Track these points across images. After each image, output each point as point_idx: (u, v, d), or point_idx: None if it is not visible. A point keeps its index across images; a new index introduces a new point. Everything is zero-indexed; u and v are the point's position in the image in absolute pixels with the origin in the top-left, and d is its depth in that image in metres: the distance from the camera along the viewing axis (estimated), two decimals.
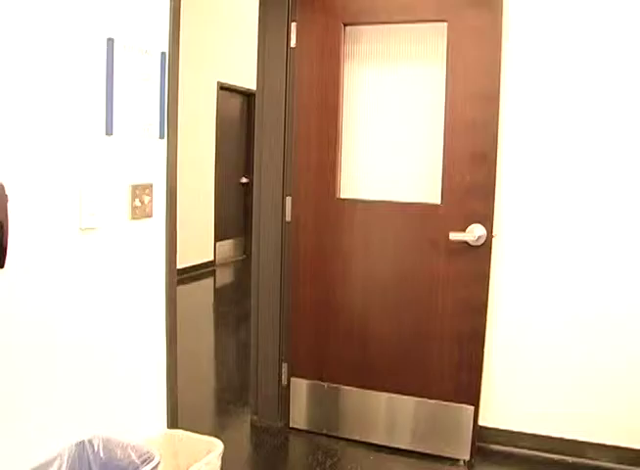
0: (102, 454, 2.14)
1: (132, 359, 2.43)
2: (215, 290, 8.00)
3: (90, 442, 2.14)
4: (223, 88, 8.20)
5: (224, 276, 8.52)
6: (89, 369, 2.22)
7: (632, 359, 3.16)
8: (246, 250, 9.05)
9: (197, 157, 7.30)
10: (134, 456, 2.09)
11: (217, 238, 8.49)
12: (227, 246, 8.85)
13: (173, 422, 2.65)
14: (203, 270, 8.00)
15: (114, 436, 2.16)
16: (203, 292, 7.43)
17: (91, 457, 2.14)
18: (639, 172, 3.05)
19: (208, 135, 7.92)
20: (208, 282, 8.00)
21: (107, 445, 2.15)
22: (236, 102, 8.78)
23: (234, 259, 8.98)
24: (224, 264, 8.68)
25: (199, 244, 7.91)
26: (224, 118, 8.32)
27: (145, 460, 2.06)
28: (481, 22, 3.09)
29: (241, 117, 8.94)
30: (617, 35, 2.98)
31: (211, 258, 8.39)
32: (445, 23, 3.16)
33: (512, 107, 3.20)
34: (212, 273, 8.28)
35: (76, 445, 2.12)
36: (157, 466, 2.03)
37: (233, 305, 6.99)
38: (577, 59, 3.08)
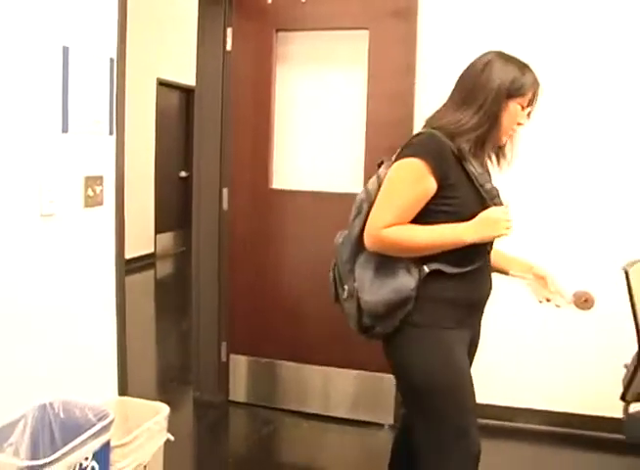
0: (62, 415, 2.39)
1: (86, 333, 2.68)
2: (157, 281, 8.17)
3: (51, 404, 2.39)
4: (162, 84, 8.30)
5: (165, 268, 8.68)
6: (48, 341, 2.47)
7: (550, 328, 3.44)
8: (186, 242, 8.92)
9: (137, 151, 7.34)
10: (91, 415, 2.36)
11: (158, 230, 8.60)
12: (167, 238, 8.96)
13: (124, 390, 2.92)
14: (143, 262, 8.02)
15: (73, 399, 2.43)
16: (144, 283, 7.56)
17: (52, 418, 2.39)
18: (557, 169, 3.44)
19: (148, 130, 8.01)
20: (149, 274, 8.12)
21: (66, 406, 2.40)
22: (175, 98, 8.87)
23: (174, 252, 9.08)
24: (165, 256, 8.79)
25: (139, 236, 7.90)
26: (164, 114, 8.40)
27: (100, 418, 2.32)
28: (399, 30, 3.42)
29: (180, 112, 9.03)
30: (514, 38, 3.32)
31: (152, 250, 8.48)
32: (367, 31, 3.48)
33: (425, 106, 3.52)
34: (153, 265, 8.37)
35: (39, 407, 2.37)
36: (111, 422, 2.30)
37: (174, 294, 7.24)
38: None
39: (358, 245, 2.06)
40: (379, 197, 2.00)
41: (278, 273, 3.77)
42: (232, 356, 3.88)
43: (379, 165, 2.17)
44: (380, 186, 2.03)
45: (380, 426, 3.66)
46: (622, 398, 2.53)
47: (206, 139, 3.80)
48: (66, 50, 2.39)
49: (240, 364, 3.87)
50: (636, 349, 2.54)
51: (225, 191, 3.78)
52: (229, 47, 3.69)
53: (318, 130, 3.72)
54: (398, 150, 2.06)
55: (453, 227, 1.95)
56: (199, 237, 3.88)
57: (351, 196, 3.54)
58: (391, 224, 1.93)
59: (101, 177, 2.64)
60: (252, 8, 3.64)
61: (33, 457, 2.22)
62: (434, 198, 1.95)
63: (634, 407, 2.63)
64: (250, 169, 3.73)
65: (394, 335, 2.03)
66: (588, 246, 3.40)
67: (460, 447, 2.02)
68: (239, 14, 3.67)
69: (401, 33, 3.42)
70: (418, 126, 3.43)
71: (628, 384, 2.48)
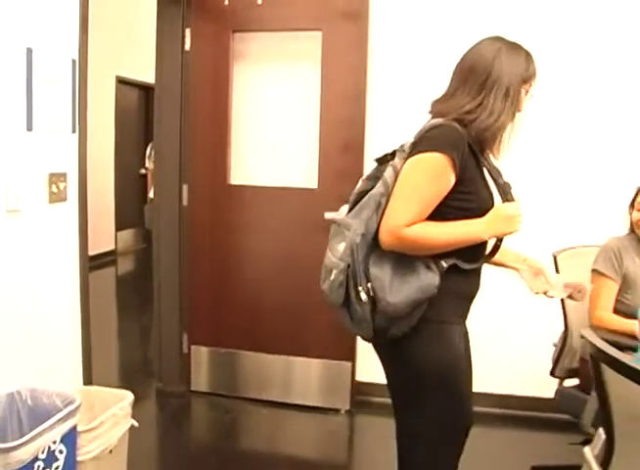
0: (30, 402, 2.49)
1: (52, 325, 2.78)
2: (118, 278, 8.17)
3: (19, 392, 2.49)
4: (122, 82, 8.27)
5: (126, 265, 8.68)
6: (15, 334, 2.56)
7: (485, 312, 3.64)
8: (146, 239, 8.90)
9: (97, 149, 7.33)
10: (58, 401, 2.46)
11: (118, 228, 8.56)
12: (128, 235, 8.94)
13: (88, 380, 3.03)
14: (104, 259, 8.00)
15: (40, 387, 2.53)
16: (105, 280, 7.56)
17: (20, 405, 2.49)
18: None
19: (108, 128, 7.99)
20: (111, 271, 8.11)
21: (33, 394, 2.50)
22: (134, 96, 8.86)
23: (135, 249, 9.07)
24: (125, 254, 8.77)
25: (100, 234, 7.82)
26: (123, 112, 8.38)
27: (67, 404, 2.42)
28: (351, 31, 3.56)
29: (139, 110, 9.02)
30: (461, 38, 3.51)
31: (113, 247, 8.46)
32: (320, 32, 3.61)
33: (376, 104, 3.68)
34: (114, 262, 8.35)
35: (7, 395, 2.47)
36: (77, 407, 2.41)
37: (135, 291, 7.27)
38: (429, 62, 3.60)
39: (374, 242, 1.93)
40: (397, 193, 1.91)
41: (237, 266, 3.89)
42: (193, 348, 3.98)
43: (391, 156, 2.04)
44: (396, 178, 1.94)
45: (337, 411, 3.81)
46: (552, 373, 2.73)
47: (166, 136, 3.88)
48: (29, 51, 2.48)
49: (201, 355, 3.99)
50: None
51: (185, 187, 3.88)
52: (188, 47, 3.78)
53: (274, 128, 3.84)
54: (413, 140, 1.96)
55: (469, 224, 1.93)
56: (159, 231, 3.97)
57: (306, 191, 3.74)
58: (412, 222, 1.86)
59: (64, 174, 2.74)
60: (210, 9, 3.75)
61: (1, 443, 2.31)
62: (449, 193, 1.90)
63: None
64: (208, 166, 3.84)
65: (408, 334, 1.94)
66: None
67: (451, 445, 2.06)
68: (197, 15, 3.76)
69: (353, 35, 3.56)
70: (370, 124, 3.64)
71: (556, 360, 2.68)
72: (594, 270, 2.76)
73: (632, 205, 2.79)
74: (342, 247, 1.98)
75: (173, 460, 3.31)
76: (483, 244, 2.00)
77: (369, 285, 1.90)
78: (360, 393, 3.89)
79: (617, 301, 2.69)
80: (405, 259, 1.90)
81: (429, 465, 2.08)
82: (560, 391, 2.81)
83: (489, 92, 1.92)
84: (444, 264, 1.92)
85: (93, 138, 2.95)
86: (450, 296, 1.97)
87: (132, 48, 7.98)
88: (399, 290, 1.88)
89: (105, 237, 8.18)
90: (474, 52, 2.00)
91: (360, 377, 3.90)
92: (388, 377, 2.13)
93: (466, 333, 2.10)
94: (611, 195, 3.04)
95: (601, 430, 1.80)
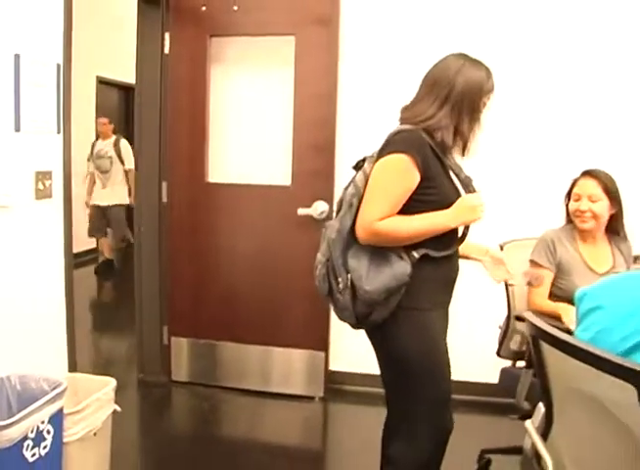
0: (18, 387, 2.63)
1: (39, 317, 2.92)
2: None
3: (8, 378, 2.62)
4: (102, 82, 8.30)
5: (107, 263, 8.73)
6: (3, 324, 2.70)
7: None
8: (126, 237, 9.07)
9: (78, 148, 7.34)
10: (45, 386, 2.60)
11: None
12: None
13: (73, 368, 3.18)
14: (86, 257, 8.04)
15: (29, 373, 2.68)
16: (87, 277, 7.57)
17: (9, 390, 2.62)
18: None
19: (88, 128, 7.95)
20: (91, 269, 8.01)
21: (22, 379, 2.64)
22: (115, 96, 8.88)
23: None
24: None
25: (82, 232, 7.82)
26: (104, 112, 8.23)
27: (55, 387, 2.57)
28: (322, 36, 3.72)
29: (119, 110, 9.04)
30: (425, 45, 3.69)
31: (94, 245, 8.38)
32: (293, 37, 3.77)
33: (347, 106, 3.84)
34: (95, 260, 8.28)
35: None
36: (64, 390, 2.56)
37: (117, 287, 7.40)
38: (397, 66, 3.77)
39: (350, 238, 2.16)
40: (369, 192, 2.13)
41: (215, 260, 4.04)
42: (173, 339, 4.12)
43: (361, 162, 2.28)
44: (367, 181, 2.15)
45: (311, 399, 3.98)
46: (498, 353, 2.92)
47: (146, 136, 4.01)
48: (17, 57, 2.64)
49: (181, 346, 4.13)
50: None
51: (164, 185, 4.01)
52: (167, 50, 3.91)
53: (250, 128, 3.99)
54: (381, 146, 2.18)
55: (437, 215, 2.13)
56: (140, 227, 4.11)
57: (280, 188, 3.91)
58: (385, 217, 2.08)
59: (50, 172, 2.89)
60: (188, 14, 3.88)
61: None
62: (416, 189, 2.11)
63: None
64: (187, 165, 3.98)
65: (387, 320, 2.16)
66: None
67: (435, 419, 2.25)
68: (175, 19, 3.89)
69: (324, 39, 3.72)
70: (340, 125, 3.81)
71: (501, 342, 2.87)
72: (531, 261, 2.98)
73: (568, 196, 3.00)
74: (324, 245, 2.25)
75: (155, 445, 3.45)
76: (453, 233, 2.22)
77: (348, 276, 2.14)
78: (333, 381, 4.05)
79: (553, 286, 2.89)
80: (380, 252, 2.13)
81: (413, 445, 2.28)
82: (502, 370, 3.01)
83: (451, 103, 2.17)
84: (416, 255, 2.13)
85: (74, 138, 3.09)
86: (425, 284, 2.19)
87: (112, 49, 7.99)
88: (375, 279, 2.10)
89: (85, 236, 8.10)
90: (439, 66, 2.24)
91: (333, 366, 4.07)
92: (377, 361, 2.34)
93: (445, 318, 2.33)
94: (553, 190, 3.23)
95: (540, 404, 1.98)
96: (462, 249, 2.33)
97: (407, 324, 2.19)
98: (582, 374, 1.61)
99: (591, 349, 1.58)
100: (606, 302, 1.80)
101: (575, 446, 1.83)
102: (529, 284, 2.48)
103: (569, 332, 1.80)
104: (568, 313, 2.61)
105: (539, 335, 1.81)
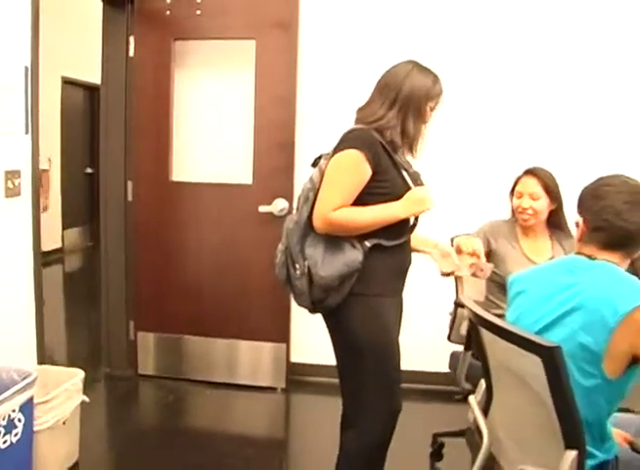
0: None
1: (8, 311, 3.02)
2: (66, 274, 8.20)
3: None
4: (67, 82, 8.26)
5: (73, 262, 8.70)
6: None
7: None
8: (93, 237, 8.89)
9: (43, 148, 7.31)
10: (16, 376, 2.69)
11: (65, 226, 8.53)
12: (75, 233, 8.91)
13: (42, 361, 3.28)
14: (52, 257, 7.88)
15: None
16: (54, 277, 7.58)
17: None
18: None
19: (53, 127, 7.97)
20: (58, 268, 8.12)
21: None
22: (80, 96, 8.84)
23: (82, 246, 9.04)
24: (73, 251, 8.76)
25: (47, 232, 7.73)
26: (69, 111, 8.36)
27: (25, 377, 2.67)
28: (282, 40, 3.85)
29: (85, 110, 9.01)
30: (379, 49, 3.86)
31: (60, 245, 8.43)
32: (254, 41, 3.89)
33: (306, 107, 3.98)
34: (61, 260, 8.35)
35: None
36: (34, 380, 2.66)
37: (84, 286, 7.36)
38: (353, 69, 3.92)
39: (307, 228, 2.31)
40: (324, 185, 2.28)
41: (180, 257, 4.14)
42: (140, 334, 4.21)
43: (318, 159, 2.43)
44: (323, 176, 2.30)
45: (274, 390, 4.11)
46: (448, 338, 3.09)
47: (112, 136, 4.10)
48: None
49: (147, 341, 4.22)
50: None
51: (130, 184, 4.11)
52: (132, 53, 4.01)
53: (213, 129, 4.10)
54: (336, 144, 2.33)
55: (388, 206, 2.27)
56: (106, 226, 4.20)
57: (242, 186, 4.03)
58: (338, 207, 2.23)
59: (19, 171, 3.01)
60: (152, 18, 3.97)
61: None
62: (369, 182, 2.26)
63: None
64: (152, 164, 4.07)
65: (341, 305, 2.30)
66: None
67: (384, 402, 2.39)
68: (140, 23, 3.98)
69: (284, 43, 3.85)
70: (300, 125, 3.94)
71: (451, 327, 3.04)
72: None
73: (512, 192, 3.19)
74: (283, 235, 2.42)
75: (122, 436, 3.54)
76: (404, 223, 2.37)
77: (305, 263, 2.29)
78: (294, 372, 4.18)
79: (492, 272, 3.06)
80: (334, 240, 2.28)
81: (362, 431, 2.41)
82: (452, 354, 3.18)
83: (398, 105, 2.34)
84: (368, 244, 2.28)
85: (39, 138, 3.18)
86: (377, 271, 2.32)
87: (78, 49, 7.91)
88: (329, 266, 2.25)
89: (52, 235, 8.05)
90: (390, 71, 2.42)
91: (294, 358, 4.20)
92: (332, 345, 2.47)
93: (399, 305, 2.47)
94: (500, 186, 3.40)
95: (482, 381, 2.16)
96: (412, 242, 2.48)
97: (359, 309, 2.32)
98: (509, 352, 1.78)
99: (511, 328, 1.77)
100: (529, 286, 1.99)
101: (506, 417, 2.02)
102: (474, 275, 2.65)
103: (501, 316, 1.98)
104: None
105: (476, 319, 1.98)
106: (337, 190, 2.27)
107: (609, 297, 1.72)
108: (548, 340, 1.71)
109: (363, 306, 2.33)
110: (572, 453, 1.67)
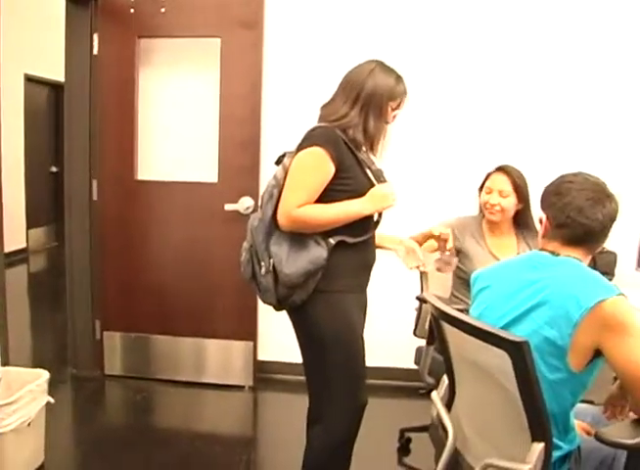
0: None
1: None
2: (30, 275, 8.10)
3: None
4: (30, 80, 8.15)
5: (38, 262, 8.58)
6: None
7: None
8: (58, 236, 8.82)
9: (5, 147, 7.17)
10: None
11: (29, 226, 8.42)
12: (40, 233, 8.82)
13: (6, 362, 3.25)
14: (16, 257, 7.77)
15: None
16: (18, 277, 7.48)
17: None
18: None
19: (17, 126, 7.85)
20: (22, 269, 8.02)
21: None
22: (44, 94, 8.75)
23: (47, 246, 8.96)
24: (37, 251, 8.67)
25: (11, 232, 7.63)
26: (32, 110, 8.26)
27: None
28: (247, 38, 3.86)
29: (49, 108, 8.91)
30: (343, 48, 3.88)
31: (24, 245, 8.32)
32: (219, 39, 3.89)
33: (270, 106, 3.99)
34: (26, 260, 8.26)
35: None
36: None
37: (48, 287, 7.27)
38: (317, 68, 3.95)
39: (271, 226, 2.33)
40: (288, 182, 2.29)
41: (145, 256, 4.13)
42: (106, 334, 4.20)
43: (282, 157, 2.43)
44: (287, 174, 2.31)
45: (242, 388, 4.13)
46: (414, 333, 3.12)
47: (76, 135, 4.06)
48: None
49: (114, 340, 4.21)
50: None
51: (95, 183, 4.08)
52: (96, 51, 3.97)
53: (178, 127, 4.09)
54: (299, 142, 2.34)
55: (352, 203, 2.30)
56: (71, 225, 4.16)
57: (207, 185, 4.03)
58: (302, 204, 2.24)
59: None
60: (117, 15, 3.94)
61: None
62: (332, 179, 2.28)
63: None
64: (117, 163, 4.05)
65: (306, 302, 2.33)
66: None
67: (350, 397, 2.41)
68: (104, 21, 3.96)
69: (249, 42, 3.86)
70: (265, 123, 3.94)
71: (417, 322, 3.07)
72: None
73: (481, 188, 3.23)
74: (248, 232, 2.43)
75: (89, 436, 3.51)
76: (368, 220, 2.40)
77: (271, 261, 2.30)
78: (261, 370, 4.20)
79: (457, 268, 3.11)
80: (299, 238, 2.29)
81: (328, 426, 2.43)
82: (417, 348, 3.22)
83: (360, 103, 2.36)
84: (332, 241, 2.30)
85: (2, 136, 3.12)
86: (342, 268, 2.36)
87: (41, 46, 7.86)
88: (294, 263, 2.27)
89: (15, 235, 7.91)
90: (354, 70, 2.44)
91: (262, 356, 4.22)
92: (297, 342, 2.49)
93: (363, 301, 2.50)
94: (468, 183, 3.44)
95: (445, 377, 2.19)
96: (378, 239, 2.52)
97: (323, 305, 2.35)
98: (473, 347, 1.81)
99: (476, 323, 1.79)
100: (493, 282, 2.02)
101: (470, 411, 2.04)
102: (439, 270, 2.69)
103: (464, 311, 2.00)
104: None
105: (438, 314, 2.01)
106: (300, 188, 2.28)
107: (573, 292, 1.76)
108: (515, 335, 1.73)
109: (328, 303, 2.35)
110: (540, 446, 1.70)
